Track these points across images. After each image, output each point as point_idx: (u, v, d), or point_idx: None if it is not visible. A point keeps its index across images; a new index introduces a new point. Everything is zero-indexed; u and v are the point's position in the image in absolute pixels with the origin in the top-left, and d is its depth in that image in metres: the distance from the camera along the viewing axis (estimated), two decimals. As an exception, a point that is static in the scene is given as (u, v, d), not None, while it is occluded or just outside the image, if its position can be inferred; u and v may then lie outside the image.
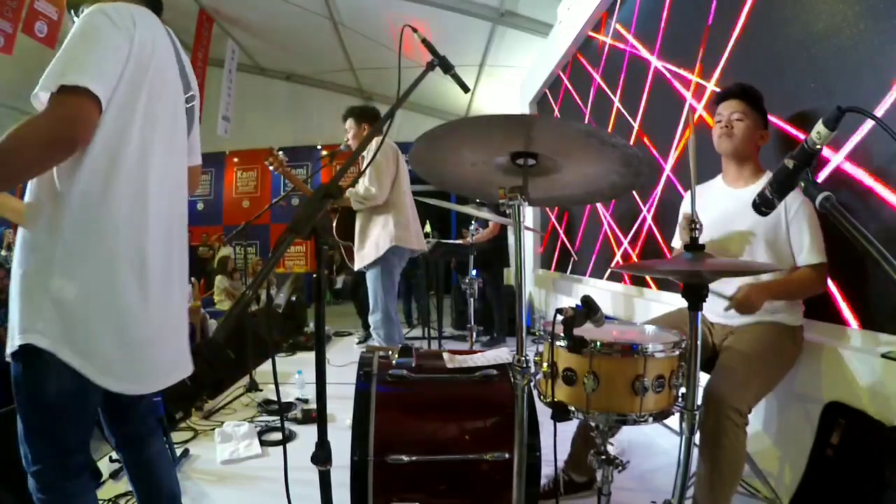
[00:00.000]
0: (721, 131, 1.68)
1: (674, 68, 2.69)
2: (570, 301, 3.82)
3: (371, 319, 2.76)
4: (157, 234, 1.12)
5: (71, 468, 1.06)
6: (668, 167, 2.78)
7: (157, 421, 1.33)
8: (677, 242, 1.91)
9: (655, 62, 2.91)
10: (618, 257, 3.43)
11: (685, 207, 1.89)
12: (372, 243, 2.69)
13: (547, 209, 5.18)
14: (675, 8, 2.76)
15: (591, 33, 3.88)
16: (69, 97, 0.96)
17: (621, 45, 3.37)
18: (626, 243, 3.30)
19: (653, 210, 2.96)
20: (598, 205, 3.74)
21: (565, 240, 4.63)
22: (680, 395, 1.23)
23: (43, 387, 1.01)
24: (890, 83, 1.45)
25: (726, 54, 2.23)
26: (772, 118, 1.76)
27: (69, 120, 0.96)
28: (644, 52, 3.05)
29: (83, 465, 1.09)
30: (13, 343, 0.99)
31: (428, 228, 6.01)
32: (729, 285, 1.52)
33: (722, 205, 1.69)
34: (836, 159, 1.65)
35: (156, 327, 1.12)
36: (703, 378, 1.40)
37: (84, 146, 1.00)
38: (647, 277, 2.94)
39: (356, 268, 2.84)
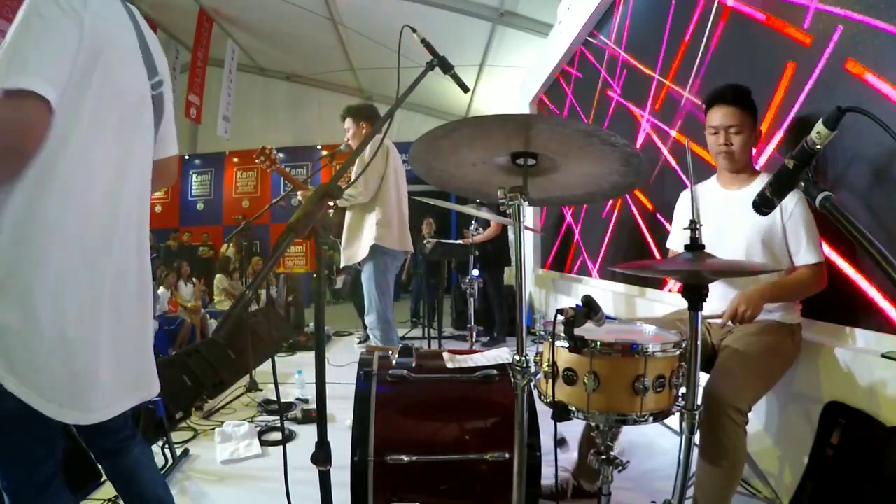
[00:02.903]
0: (720, 149, 1.63)
1: (665, 70, 2.69)
2: (571, 301, 3.82)
3: (367, 320, 2.77)
4: (110, 240, 1.02)
5: (38, 480, 1.00)
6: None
7: (134, 429, 1.24)
8: (672, 243, 1.91)
9: (650, 68, 2.91)
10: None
11: (682, 208, 1.88)
12: (359, 242, 2.70)
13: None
14: (673, 7, 2.76)
15: (593, 30, 3.88)
16: (14, 103, 0.87)
17: (618, 47, 3.37)
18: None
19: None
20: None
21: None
22: (680, 394, 1.23)
23: None
24: (890, 83, 1.45)
25: (725, 55, 2.23)
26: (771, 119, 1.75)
27: (14, 133, 0.88)
28: (638, 59, 3.05)
29: (52, 475, 1.03)
30: None
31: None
32: (722, 300, 1.52)
33: (717, 207, 1.67)
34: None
35: (108, 349, 1.02)
36: (703, 378, 1.39)
37: (35, 153, 0.91)
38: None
39: (342, 265, 2.84)
